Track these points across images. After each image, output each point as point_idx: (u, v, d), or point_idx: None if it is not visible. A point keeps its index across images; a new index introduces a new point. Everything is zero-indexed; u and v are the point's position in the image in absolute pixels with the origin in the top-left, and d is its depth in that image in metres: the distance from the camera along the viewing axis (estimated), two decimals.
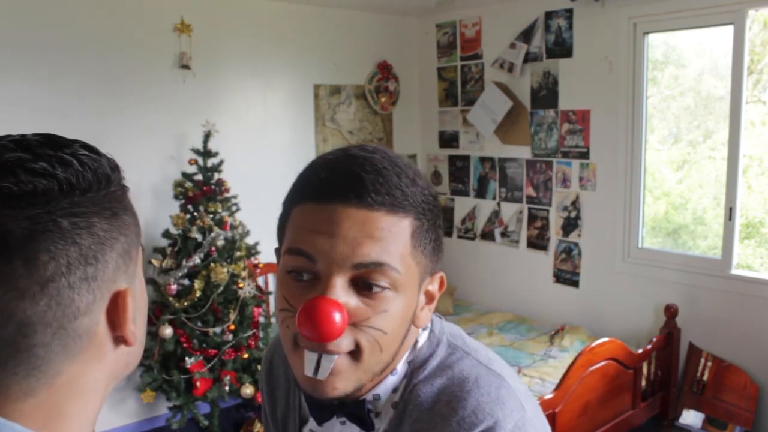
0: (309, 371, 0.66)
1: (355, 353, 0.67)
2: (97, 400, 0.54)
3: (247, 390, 3.11)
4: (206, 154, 3.23)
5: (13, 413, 0.48)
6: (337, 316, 0.62)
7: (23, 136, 0.51)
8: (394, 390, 0.74)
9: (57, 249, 0.47)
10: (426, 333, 0.77)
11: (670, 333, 3.11)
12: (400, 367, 0.74)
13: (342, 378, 0.67)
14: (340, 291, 0.65)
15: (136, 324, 0.55)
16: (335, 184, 0.66)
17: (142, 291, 0.58)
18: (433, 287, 0.74)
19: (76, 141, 0.53)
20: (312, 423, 0.79)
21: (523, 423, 0.70)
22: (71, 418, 0.51)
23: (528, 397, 0.74)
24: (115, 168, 0.54)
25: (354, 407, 0.73)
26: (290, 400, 0.85)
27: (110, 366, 0.54)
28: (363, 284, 0.66)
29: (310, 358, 0.66)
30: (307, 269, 0.67)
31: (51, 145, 0.51)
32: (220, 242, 3.10)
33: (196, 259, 3.04)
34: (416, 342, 0.76)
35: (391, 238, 0.65)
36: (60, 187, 0.48)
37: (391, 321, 0.67)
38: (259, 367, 3.18)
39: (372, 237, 0.65)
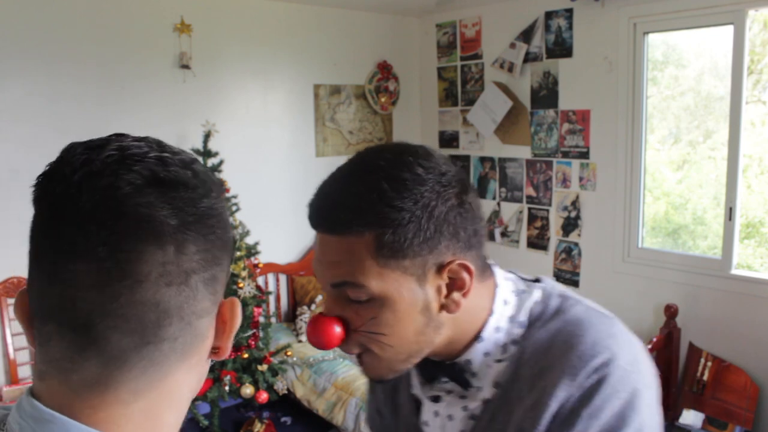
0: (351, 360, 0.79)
1: (369, 351, 0.76)
2: (185, 411, 0.53)
3: (247, 390, 3.11)
4: (206, 153, 3.23)
5: (112, 421, 0.47)
6: (333, 329, 0.74)
7: (147, 138, 0.52)
8: (486, 354, 0.80)
9: (200, 244, 0.49)
10: (539, 292, 0.83)
11: (670, 333, 3.11)
12: (487, 334, 0.80)
13: (374, 369, 0.78)
14: (333, 306, 0.75)
15: (229, 344, 0.56)
16: (310, 217, 0.76)
17: (239, 316, 0.59)
18: (455, 275, 0.75)
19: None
20: (426, 402, 0.87)
21: (637, 357, 0.76)
22: (167, 428, 0.51)
23: (638, 340, 0.80)
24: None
25: (451, 370, 0.81)
26: (401, 380, 0.93)
27: (200, 378, 0.54)
28: (349, 298, 0.74)
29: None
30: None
31: (172, 147, 0.53)
32: None
33: None
34: (532, 302, 0.82)
35: (351, 258, 0.71)
36: (199, 185, 0.50)
37: (383, 324, 0.74)
38: (258, 367, 3.18)
39: (334, 260, 0.73)
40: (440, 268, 0.74)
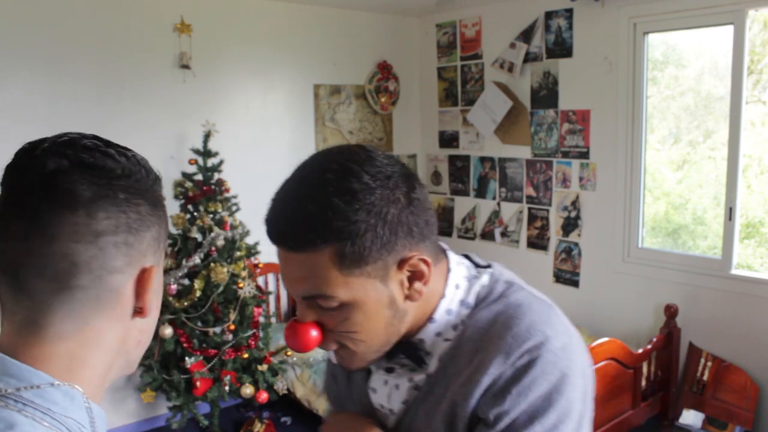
0: (332, 356, 0.89)
1: (345, 347, 0.82)
2: (110, 357, 0.64)
3: (247, 390, 3.11)
4: (206, 154, 3.23)
5: (44, 357, 0.59)
6: (309, 333, 0.81)
7: (94, 135, 0.65)
8: (438, 334, 0.85)
9: (111, 212, 0.61)
10: (487, 276, 0.88)
11: (670, 333, 3.11)
12: (438, 315, 0.85)
13: (353, 360, 0.84)
14: (307, 312, 0.81)
15: (152, 308, 0.67)
16: (270, 233, 0.79)
17: (161, 284, 0.70)
18: (414, 268, 0.80)
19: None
20: (376, 370, 0.92)
21: (570, 344, 0.81)
22: (92, 369, 0.62)
23: (575, 331, 0.85)
24: (158, 176, 0.68)
25: (406, 348, 0.87)
26: None
27: (125, 333, 0.65)
28: (320, 305, 0.79)
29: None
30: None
31: (116, 144, 0.65)
32: (220, 242, 3.10)
33: (196, 259, 3.04)
34: (479, 286, 0.87)
35: (315, 271, 0.76)
36: (122, 170, 0.62)
37: (353, 323, 0.80)
38: (258, 367, 3.19)
39: (299, 275, 0.78)
40: (400, 265, 0.79)
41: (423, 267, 0.80)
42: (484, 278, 0.88)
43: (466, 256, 0.93)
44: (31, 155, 0.60)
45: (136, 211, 0.63)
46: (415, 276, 0.80)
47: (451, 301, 0.86)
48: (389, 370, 0.90)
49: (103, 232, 0.60)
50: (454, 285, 0.86)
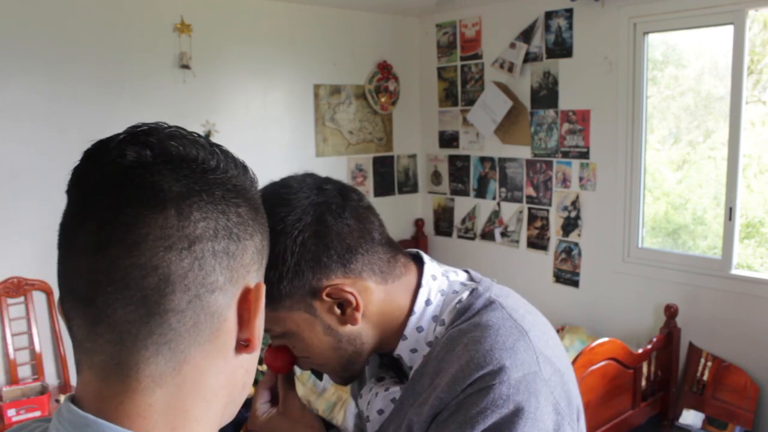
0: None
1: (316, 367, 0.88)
2: (218, 409, 0.51)
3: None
4: None
5: (137, 410, 0.46)
6: (281, 359, 0.88)
7: (177, 126, 0.54)
8: (413, 350, 0.83)
9: (208, 212, 0.48)
10: (467, 291, 0.83)
11: (670, 333, 3.11)
12: (409, 332, 0.83)
13: (330, 377, 0.89)
14: (274, 339, 0.86)
15: (259, 337, 0.54)
16: None
17: (263, 308, 0.56)
18: (337, 296, 0.79)
19: None
20: (371, 367, 0.94)
21: (534, 378, 0.73)
22: (196, 425, 0.49)
23: (550, 361, 0.76)
24: (255, 177, 0.57)
25: (389, 361, 0.90)
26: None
27: (231, 375, 0.52)
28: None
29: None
30: None
31: (221, 146, 0.54)
32: None
33: None
34: (456, 302, 0.83)
35: None
36: (217, 162, 0.50)
37: (303, 348, 0.83)
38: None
39: None
40: (317, 295, 0.79)
41: (344, 294, 0.78)
42: (464, 294, 0.83)
43: (466, 271, 0.90)
44: (105, 149, 0.49)
45: (237, 212, 0.50)
46: (345, 303, 0.79)
47: (420, 318, 0.83)
48: (379, 379, 0.91)
49: (200, 237, 0.47)
50: (424, 301, 0.83)
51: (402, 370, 0.88)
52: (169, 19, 3.47)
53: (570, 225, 3.78)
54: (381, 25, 4.38)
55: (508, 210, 4.13)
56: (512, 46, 3.89)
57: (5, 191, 3.01)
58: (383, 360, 0.92)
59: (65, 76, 3.17)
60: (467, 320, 0.79)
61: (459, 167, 4.42)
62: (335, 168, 4.27)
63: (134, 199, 0.46)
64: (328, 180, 0.83)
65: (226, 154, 0.53)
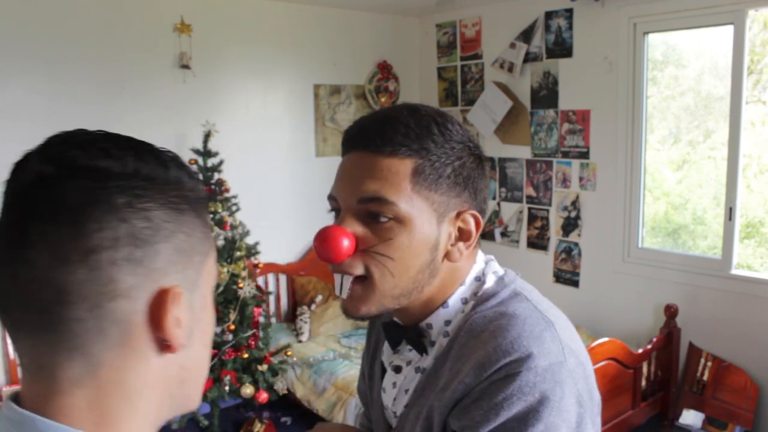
0: (336, 291, 0.80)
1: (368, 278, 0.79)
2: (149, 408, 0.53)
3: (247, 390, 3.11)
4: (206, 154, 3.23)
5: (62, 409, 0.49)
6: (341, 240, 0.76)
7: (101, 131, 0.56)
8: (446, 323, 0.83)
9: (106, 222, 0.48)
10: (494, 277, 0.85)
11: (670, 333, 3.11)
12: (452, 301, 0.83)
13: (362, 302, 0.80)
14: (349, 222, 0.78)
15: (194, 335, 0.55)
16: (353, 137, 0.83)
17: (205, 309, 0.57)
18: (466, 225, 0.82)
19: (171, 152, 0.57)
20: (387, 356, 0.92)
21: (560, 368, 0.73)
22: (122, 423, 0.51)
23: (575, 354, 0.77)
24: (197, 182, 0.57)
25: (412, 333, 0.85)
26: (372, 342, 1.02)
27: (158, 374, 0.53)
28: (370, 216, 0.78)
29: (335, 279, 0.80)
30: (335, 208, 0.83)
31: (131, 138, 0.55)
32: (220, 242, 3.10)
33: None
34: (482, 282, 0.84)
35: (390, 176, 0.77)
36: (123, 168, 0.51)
37: (396, 248, 0.77)
38: (259, 367, 3.19)
39: (372, 176, 0.77)
40: (458, 214, 0.81)
41: (473, 227, 0.82)
42: (491, 278, 0.85)
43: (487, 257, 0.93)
44: (18, 164, 0.51)
45: (145, 217, 0.50)
46: (462, 235, 0.81)
47: (466, 290, 0.84)
48: (397, 370, 0.89)
49: (96, 247, 0.48)
50: (475, 276, 0.85)
51: (420, 345, 0.85)
52: (169, 19, 3.47)
53: (570, 225, 3.78)
54: (381, 25, 4.39)
55: (508, 210, 4.13)
56: (512, 46, 3.89)
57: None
58: (394, 335, 0.88)
59: (65, 76, 3.17)
60: (492, 308, 0.80)
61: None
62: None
63: (32, 215, 0.48)
64: None
65: (149, 154, 0.53)
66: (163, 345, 0.52)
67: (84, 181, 0.49)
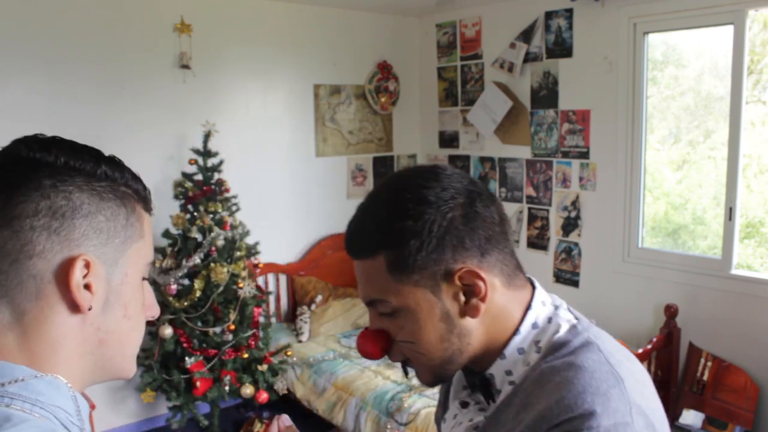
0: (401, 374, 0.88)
1: (409, 360, 0.84)
2: (71, 358, 0.63)
3: (247, 390, 3.11)
4: (206, 154, 3.23)
5: (1, 346, 0.60)
6: (374, 343, 0.84)
7: (55, 137, 0.67)
8: (508, 372, 0.81)
9: (29, 197, 0.61)
10: (567, 326, 0.81)
11: (670, 333, 3.11)
12: (509, 352, 0.81)
13: (420, 374, 0.85)
14: (374, 320, 0.84)
15: (111, 305, 0.66)
16: (345, 243, 0.86)
17: (128, 285, 0.68)
18: (468, 281, 0.78)
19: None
20: (456, 389, 0.94)
21: (624, 430, 0.69)
22: (47, 363, 0.61)
23: (645, 414, 0.72)
24: (135, 182, 0.69)
25: (480, 380, 0.85)
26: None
27: (74, 330, 0.63)
28: (381, 313, 0.83)
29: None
30: None
31: (74, 142, 0.66)
32: (220, 242, 3.10)
33: (196, 259, 3.04)
34: (542, 330, 0.82)
35: (372, 277, 0.81)
36: (55, 160, 0.63)
37: (411, 333, 0.81)
38: (258, 367, 3.19)
39: (363, 281, 0.83)
40: (448, 276, 0.78)
41: (476, 281, 0.78)
42: (564, 327, 0.80)
43: (555, 301, 0.88)
44: None
45: (65, 197, 0.62)
46: (473, 291, 0.78)
47: (523, 340, 0.81)
48: (464, 405, 0.89)
49: (19, 215, 0.60)
50: (531, 323, 0.81)
51: (489, 392, 0.84)
52: (169, 19, 3.47)
53: (570, 225, 3.78)
54: (381, 25, 4.39)
55: (508, 210, 4.13)
56: (512, 46, 3.89)
57: None
58: (471, 380, 0.89)
59: (65, 76, 3.17)
60: (562, 357, 0.76)
61: (459, 167, 4.42)
62: (335, 168, 4.28)
63: None
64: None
65: (84, 153, 0.65)
66: (72, 305, 0.62)
67: (23, 167, 0.62)
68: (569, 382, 0.72)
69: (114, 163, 0.67)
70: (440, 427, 0.97)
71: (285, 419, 0.93)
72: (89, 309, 0.63)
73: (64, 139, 0.67)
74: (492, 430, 0.80)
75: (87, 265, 0.63)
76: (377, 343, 0.84)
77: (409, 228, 0.77)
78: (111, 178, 0.66)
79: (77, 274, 0.62)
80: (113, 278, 0.66)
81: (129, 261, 0.67)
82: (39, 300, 0.61)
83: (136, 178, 0.70)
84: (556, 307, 0.84)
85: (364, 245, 0.81)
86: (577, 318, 0.84)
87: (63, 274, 0.62)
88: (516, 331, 0.81)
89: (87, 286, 0.63)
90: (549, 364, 0.76)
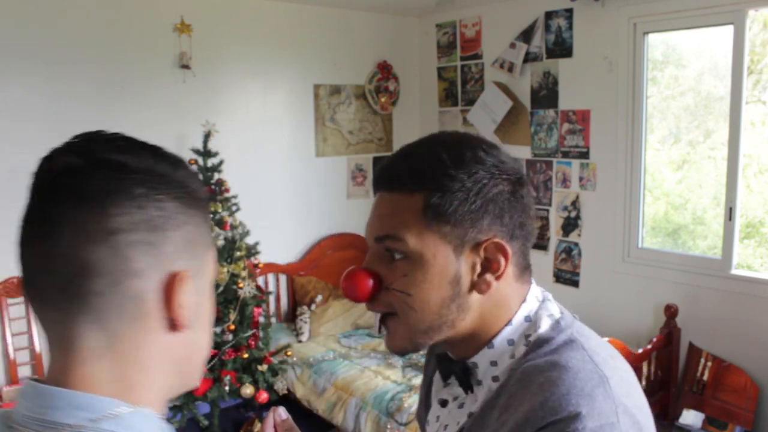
0: (375, 330, 0.87)
1: (394, 315, 0.80)
2: (162, 382, 0.59)
3: (247, 390, 3.11)
4: (206, 154, 3.23)
5: (84, 378, 0.54)
6: (363, 281, 0.78)
7: (118, 133, 0.62)
8: (493, 363, 0.80)
9: (125, 208, 0.55)
10: (550, 321, 0.81)
11: (670, 333, 3.11)
12: (498, 342, 0.80)
13: (396, 337, 0.81)
14: (371, 261, 0.80)
15: (199, 319, 0.61)
16: (376, 178, 0.83)
17: (207, 297, 0.64)
18: (490, 255, 0.77)
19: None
20: (437, 388, 0.92)
21: (611, 428, 0.68)
22: (142, 393, 0.57)
23: (630, 413, 0.71)
24: (201, 184, 0.64)
25: (459, 369, 0.83)
26: (428, 371, 1.00)
27: (168, 350, 0.59)
28: (388, 254, 0.79)
29: (375, 319, 0.86)
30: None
31: (144, 142, 0.61)
32: (220, 242, 3.10)
33: None
34: (533, 324, 0.81)
35: (400, 213, 0.77)
36: (139, 163, 0.57)
37: (411, 284, 0.77)
38: (258, 367, 3.19)
39: (385, 214, 0.79)
40: (478, 244, 0.77)
41: (500, 257, 0.77)
42: (547, 322, 0.80)
43: (544, 294, 0.88)
44: (46, 157, 0.57)
45: (158, 207, 0.56)
46: (490, 266, 0.78)
47: (514, 331, 0.80)
48: (443, 404, 0.88)
49: (117, 230, 0.54)
50: (524, 316, 0.81)
51: (467, 383, 0.83)
52: (169, 19, 3.47)
53: (570, 225, 3.78)
54: (381, 25, 4.39)
55: None
56: (512, 46, 3.89)
57: (6, 191, 3.01)
58: (447, 368, 0.87)
59: (65, 76, 3.17)
60: (545, 355, 0.76)
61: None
62: (335, 168, 4.28)
63: (61, 200, 0.54)
64: None
65: (161, 155, 0.60)
66: (171, 324, 0.58)
67: (108, 173, 0.55)
68: (553, 383, 0.71)
69: (183, 163, 0.62)
70: (423, 427, 0.96)
71: (281, 412, 0.88)
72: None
73: (131, 137, 0.61)
74: (478, 430, 0.79)
75: (185, 280, 0.58)
76: (366, 283, 0.78)
77: (460, 179, 0.76)
78: (186, 182, 0.61)
79: (179, 291, 0.57)
80: (199, 290, 0.61)
81: (207, 270, 0.63)
82: (136, 322, 0.56)
83: (199, 179, 0.65)
84: (543, 300, 0.84)
85: (406, 177, 0.77)
86: (561, 312, 0.84)
87: (163, 292, 0.57)
88: (509, 322, 0.80)
89: (183, 302, 0.58)
90: (532, 363, 0.76)
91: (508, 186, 0.78)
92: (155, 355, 0.58)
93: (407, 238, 0.76)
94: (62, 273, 0.53)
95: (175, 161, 0.61)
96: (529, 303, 0.82)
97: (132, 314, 0.56)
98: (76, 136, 0.59)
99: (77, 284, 0.53)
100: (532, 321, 0.81)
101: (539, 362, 0.75)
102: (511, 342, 0.80)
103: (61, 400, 0.52)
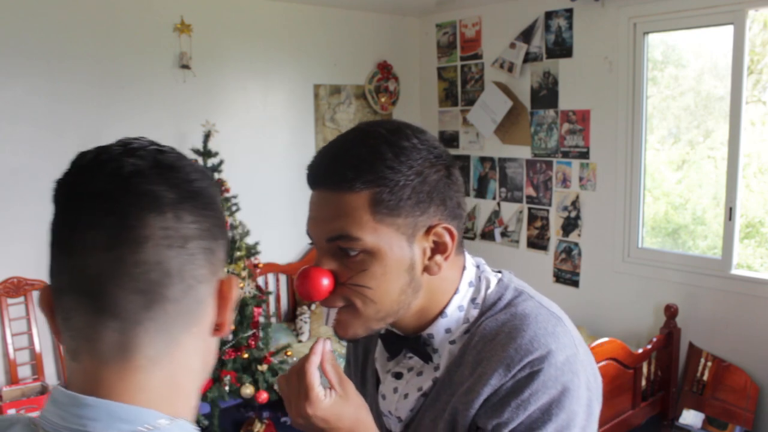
0: (323, 321, 0.84)
1: (351, 307, 0.81)
2: (200, 383, 0.60)
3: (247, 390, 3.11)
4: (206, 154, 3.23)
5: (141, 389, 0.53)
6: (319, 280, 0.79)
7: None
8: (447, 330, 0.85)
9: (196, 215, 0.56)
10: (495, 281, 0.88)
11: (670, 333, 3.11)
12: (450, 310, 0.85)
13: (349, 326, 0.82)
14: (324, 260, 0.80)
15: (229, 323, 0.62)
16: (312, 176, 0.82)
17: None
18: (439, 238, 0.81)
19: None
20: (381, 363, 0.94)
21: (575, 359, 0.80)
22: (185, 398, 0.57)
23: (582, 344, 0.84)
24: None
25: (413, 343, 0.87)
26: (359, 354, 1.03)
27: (207, 354, 0.60)
28: (342, 251, 0.79)
29: (323, 311, 0.84)
30: (313, 242, 0.83)
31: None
32: None
33: None
34: (478, 287, 0.87)
35: (350, 212, 0.77)
36: (194, 171, 0.58)
37: (371, 277, 0.79)
38: (258, 367, 3.19)
39: (334, 215, 0.78)
40: (428, 230, 0.80)
41: (447, 239, 0.81)
42: (493, 281, 0.87)
43: (476, 259, 0.94)
44: (98, 161, 0.54)
45: (213, 216, 0.58)
46: (438, 248, 0.81)
47: (463, 298, 0.86)
48: (398, 376, 0.90)
49: (192, 236, 0.54)
50: (468, 282, 0.87)
51: (425, 354, 0.87)
52: (169, 19, 3.47)
53: (570, 225, 3.78)
54: (381, 25, 4.39)
55: (508, 210, 4.13)
56: (512, 46, 3.89)
57: (6, 192, 3.01)
58: (394, 347, 0.90)
59: (65, 77, 3.17)
60: (500, 311, 0.84)
61: (459, 167, 4.41)
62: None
63: (136, 204, 0.52)
64: None
65: (197, 165, 0.60)
66: (216, 328, 0.59)
67: (174, 179, 0.55)
68: (519, 329, 0.80)
69: (204, 170, 0.64)
70: (376, 406, 0.95)
71: (329, 344, 0.84)
72: None
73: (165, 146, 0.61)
74: (446, 391, 0.84)
75: (236, 285, 0.60)
76: (322, 282, 0.79)
77: (404, 173, 0.77)
78: (217, 189, 0.64)
79: (232, 299, 0.59)
80: (236, 288, 0.64)
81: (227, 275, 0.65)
82: (192, 327, 0.56)
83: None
84: (478, 265, 0.90)
85: (350, 177, 0.77)
86: (499, 271, 0.91)
87: (221, 296, 0.59)
88: (456, 291, 0.86)
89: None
90: (492, 318, 0.83)
91: (444, 170, 0.82)
92: (200, 361, 0.59)
93: (363, 237, 0.77)
94: (144, 279, 0.52)
95: (209, 174, 0.62)
96: (470, 270, 0.88)
97: (192, 320, 0.56)
98: (118, 142, 0.57)
99: (157, 291, 0.53)
100: (474, 286, 0.87)
101: (498, 316, 0.83)
102: (461, 308, 0.86)
103: (99, 411, 0.51)
